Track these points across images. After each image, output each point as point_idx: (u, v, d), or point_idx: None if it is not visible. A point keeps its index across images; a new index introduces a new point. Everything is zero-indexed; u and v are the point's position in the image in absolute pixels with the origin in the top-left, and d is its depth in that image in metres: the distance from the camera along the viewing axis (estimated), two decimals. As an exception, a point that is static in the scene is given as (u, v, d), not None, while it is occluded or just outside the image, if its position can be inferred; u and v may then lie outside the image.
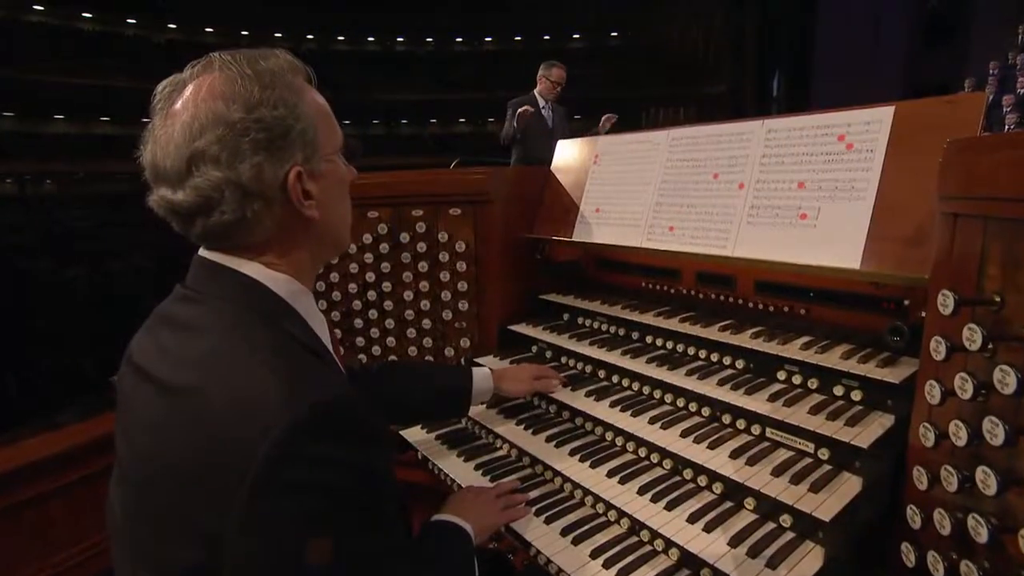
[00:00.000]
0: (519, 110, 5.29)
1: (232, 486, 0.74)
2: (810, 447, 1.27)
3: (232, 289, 0.93)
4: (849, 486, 1.17)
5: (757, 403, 1.38)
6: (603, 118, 5.63)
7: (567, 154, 2.23)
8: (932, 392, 0.93)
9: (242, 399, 0.79)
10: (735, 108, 21.79)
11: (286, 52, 0.99)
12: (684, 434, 1.43)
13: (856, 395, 1.30)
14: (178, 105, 0.90)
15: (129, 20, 27.43)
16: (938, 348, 0.91)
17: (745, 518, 1.24)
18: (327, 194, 0.99)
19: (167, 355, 0.91)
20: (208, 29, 27.92)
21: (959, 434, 0.88)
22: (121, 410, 0.97)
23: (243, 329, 0.88)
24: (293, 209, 0.94)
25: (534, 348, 2.02)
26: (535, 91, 5.51)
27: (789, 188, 1.52)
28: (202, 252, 0.98)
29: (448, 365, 2.04)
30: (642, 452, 1.49)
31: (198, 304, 0.93)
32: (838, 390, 1.34)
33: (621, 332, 1.88)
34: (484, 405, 1.82)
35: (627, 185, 1.95)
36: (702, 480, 1.35)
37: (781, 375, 1.45)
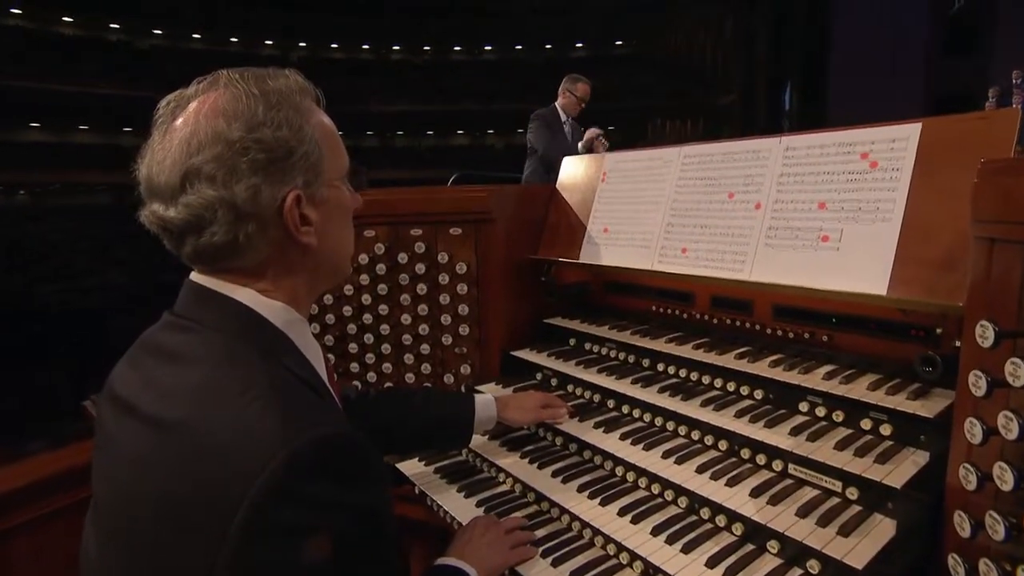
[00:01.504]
0: (594, 137, 5.30)
1: (223, 527, 0.73)
2: (837, 486, 1.26)
3: (224, 317, 0.93)
4: (882, 530, 1.15)
5: (778, 437, 1.37)
6: (587, 135, 5.49)
7: (573, 171, 2.24)
8: (973, 431, 0.92)
9: (235, 435, 0.79)
10: (746, 120, 22.02)
11: (297, 73, 1.01)
12: (700, 470, 1.42)
13: (885, 429, 1.29)
14: (179, 121, 0.92)
15: (112, 25, 27.79)
16: (978, 383, 0.91)
17: (769, 563, 1.22)
18: (328, 221, 1.00)
19: (154, 387, 0.90)
20: (195, 35, 28.28)
21: (1004, 477, 0.87)
22: (100, 446, 0.96)
23: (237, 361, 0.88)
24: (289, 234, 0.95)
25: (538, 375, 2.01)
26: (556, 104, 5.50)
27: (809, 209, 1.53)
28: (193, 276, 0.98)
29: (449, 392, 2.03)
30: (655, 489, 1.47)
31: (188, 333, 0.93)
32: (866, 424, 1.33)
33: (631, 359, 1.87)
34: (487, 436, 1.80)
35: (637, 204, 1.96)
36: (721, 520, 1.33)
37: (803, 407, 1.45)
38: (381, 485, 0.92)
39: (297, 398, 0.87)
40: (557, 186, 2.26)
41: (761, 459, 1.40)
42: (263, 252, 0.95)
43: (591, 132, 5.50)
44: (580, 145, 5.41)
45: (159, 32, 28.47)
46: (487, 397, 1.69)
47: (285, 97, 0.95)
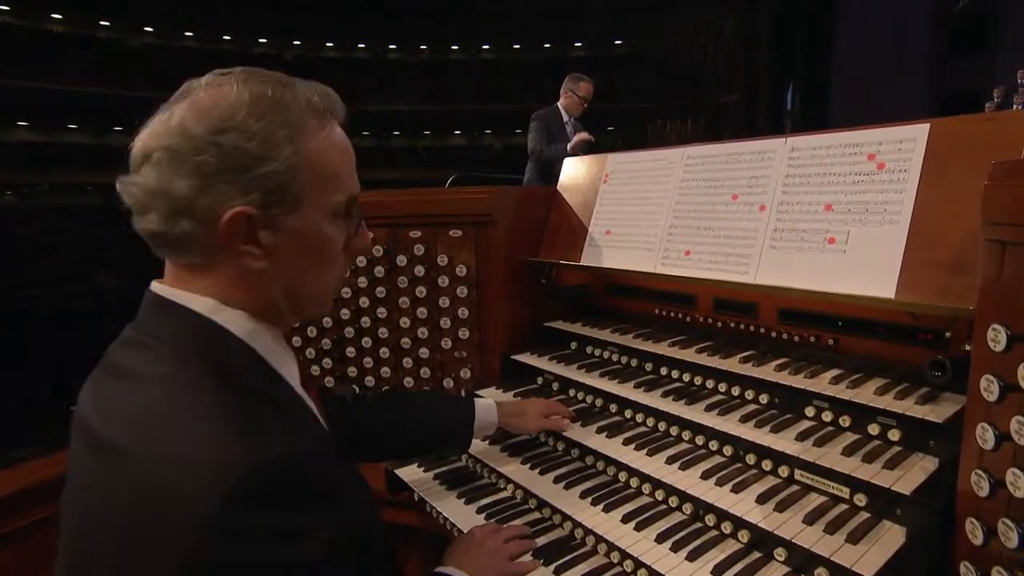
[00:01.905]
0: (580, 138, 5.19)
1: (172, 564, 0.71)
2: (845, 492, 1.26)
3: (179, 331, 0.90)
4: (891, 537, 1.15)
5: (784, 442, 1.37)
6: (576, 138, 5.34)
7: (575, 172, 2.25)
8: (985, 436, 0.92)
9: (177, 465, 0.76)
10: (747, 120, 22.08)
11: (318, 87, 0.96)
12: (705, 475, 1.42)
13: (894, 435, 1.29)
14: (178, 105, 0.90)
15: (102, 22, 27.76)
16: (990, 388, 0.91)
17: (776, 571, 1.21)
18: (288, 252, 0.93)
19: (105, 409, 0.88)
20: (188, 33, 28.27)
21: (1018, 483, 0.87)
22: (68, 466, 0.93)
23: (183, 380, 0.85)
24: (233, 248, 0.90)
25: (540, 380, 2.01)
26: (559, 104, 5.46)
27: (815, 211, 1.53)
28: (153, 286, 0.95)
29: (449, 396, 2.03)
30: (659, 495, 1.47)
31: (141, 349, 0.90)
32: (873, 429, 1.33)
33: (634, 363, 1.87)
34: (487, 441, 1.80)
35: (640, 206, 1.96)
36: (726, 527, 1.32)
37: (810, 411, 1.45)
38: (346, 503, 0.87)
39: (247, 418, 0.83)
40: (558, 187, 2.26)
41: (767, 465, 1.40)
42: (204, 255, 0.91)
43: (582, 136, 5.36)
44: (569, 147, 5.29)
45: (150, 30, 28.44)
46: (488, 402, 1.69)
47: (280, 110, 0.90)
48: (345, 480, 0.93)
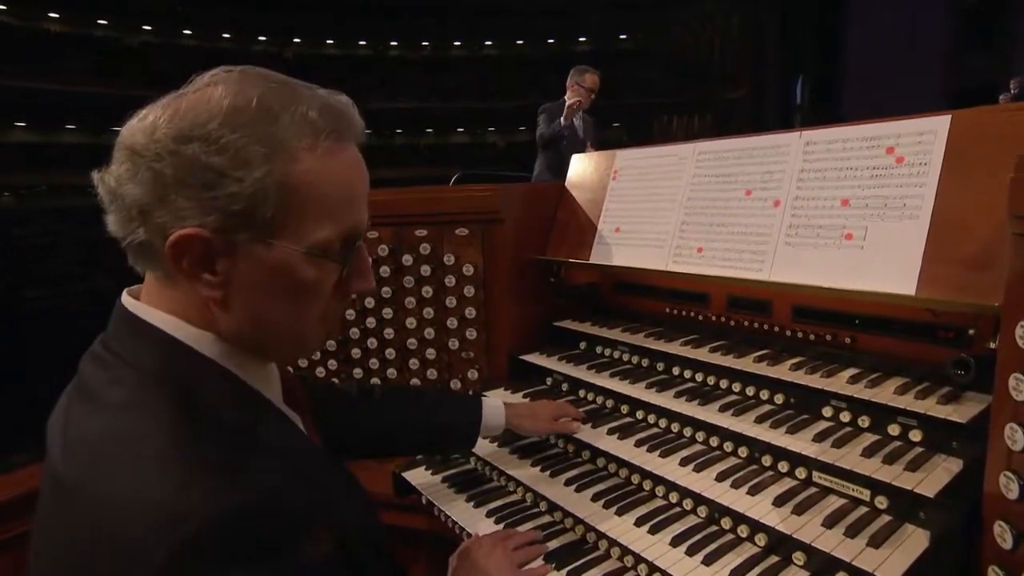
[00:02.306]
0: (569, 103, 5.23)
1: None
2: (865, 494, 1.25)
3: (145, 351, 0.83)
4: (915, 541, 1.14)
5: (802, 443, 1.36)
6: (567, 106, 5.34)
7: (583, 169, 2.24)
8: (1014, 436, 0.91)
9: (126, 505, 0.70)
10: (755, 116, 22.04)
11: (330, 102, 0.87)
12: (720, 477, 1.41)
13: (915, 435, 1.28)
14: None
15: (100, 21, 27.88)
16: (1019, 387, 0.90)
17: (795, 575, 1.21)
18: (252, 284, 0.83)
19: (65, 433, 0.82)
20: (186, 31, 28.36)
21: (1048, 485, 0.86)
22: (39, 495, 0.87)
23: (144, 408, 0.78)
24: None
25: (548, 380, 2.00)
26: (565, 98, 5.52)
27: (832, 206, 1.52)
28: (124, 298, 0.89)
29: (457, 395, 2.01)
30: (673, 497, 1.46)
31: (104, 367, 0.84)
32: (893, 429, 1.32)
33: (645, 363, 1.87)
34: (495, 443, 1.80)
35: (650, 203, 1.95)
36: (743, 530, 1.32)
37: (827, 412, 1.44)
38: (316, 543, 0.78)
39: (207, 453, 0.76)
40: (566, 184, 2.26)
41: (784, 466, 1.39)
42: (161, 270, 0.84)
43: (570, 102, 5.32)
44: (563, 119, 5.31)
45: (148, 28, 28.55)
46: (496, 403, 1.68)
47: (262, 124, 0.80)
48: (328, 504, 0.85)
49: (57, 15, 26.87)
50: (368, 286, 0.96)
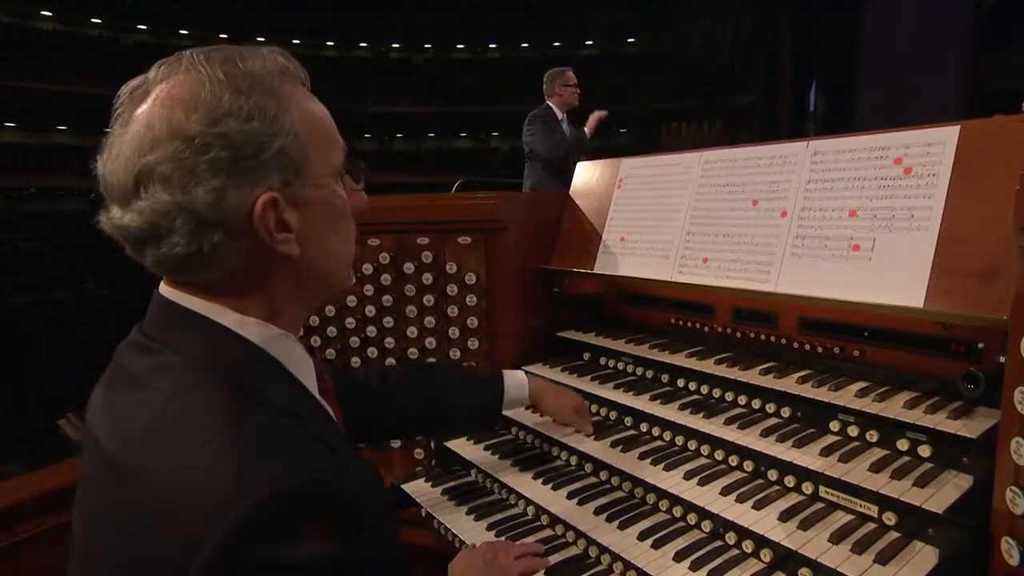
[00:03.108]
0: (596, 114, 5.54)
1: None
2: (873, 510, 1.27)
3: (192, 338, 0.88)
4: (923, 558, 1.16)
5: (808, 457, 1.38)
6: (592, 118, 5.68)
7: (587, 177, 2.27)
8: (1020, 451, 0.93)
9: (183, 490, 0.75)
10: (767, 122, 22.06)
11: (278, 51, 0.94)
12: (725, 491, 1.43)
13: (924, 450, 1.30)
14: (139, 111, 0.86)
15: (94, 20, 28.15)
16: None
17: (800, 591, 1.23)
18: (314, 226, 0.92)
19: (114, 420, 0.87)
20: (183, 31, 28.61)
21: (1051, 499, 0.88)
22: (80, 481, 0.92)
23: (196, 393, 0.83)
24: (264, 244, 0.87)
25: (552, 392, 2.02)
26: (549, 104, 5.58)
27: (839, 217, 1.55)
28: (162, 288, 0.93)
29: (476, 373, 2.02)
30: (677, 511, 1.48)
31: (152, 355, 0.88)
32: (902, 444, 1.34)
33: (649, 374, 1.89)
34: (497, 455, 1.84)
35: (655, 212, 1.99)
36: (748, 546, 1.34)
37: (835, 426, 1.46)
38: (363, 534, 0.83)
39: (264, 435, 0.81)
40: (571, 192, 2.29)
41: (790, 481, 1.41)
42: (234, 263, 0.88)
43: (596, 116, 5.66)
44: (588, 129, 5.58)
45: (144, 28, 28.80)
46: (518, 375, 1.74)
47: (258, 81, 0.87)
48: (371, 506, 0.89)
49: (50, 13, 27.11)
50: (366, 201, 1.08)
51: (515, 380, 1.73)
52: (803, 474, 1.38)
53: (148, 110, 0.84)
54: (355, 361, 2.17)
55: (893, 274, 1.40)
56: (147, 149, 0.83)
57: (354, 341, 2.16)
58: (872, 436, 1.39)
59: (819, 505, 1.35)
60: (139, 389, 0.87)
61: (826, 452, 1.38)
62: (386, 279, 2.11)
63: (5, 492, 1.93)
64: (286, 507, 0.75)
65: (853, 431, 1.42)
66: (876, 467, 1.30)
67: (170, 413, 0.82)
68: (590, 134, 5.59)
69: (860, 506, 1.29)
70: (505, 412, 1.75)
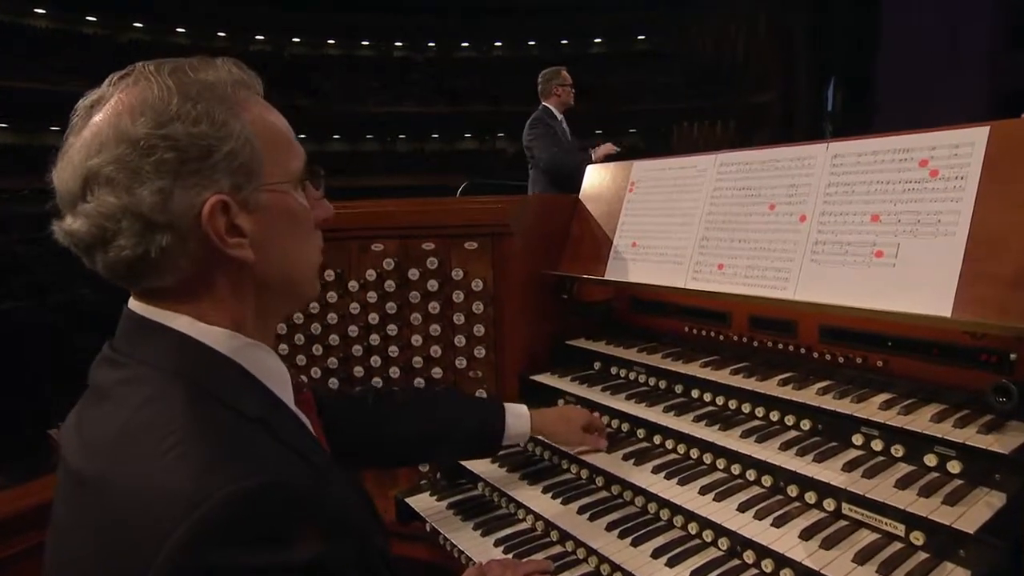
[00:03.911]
0: (605, 147, 5.54)
1: None
2: (900, 529, 1.26)
3: (158, 350, 0.91)
4: (953, 579, 1.15)
5: (830, 473, 1.37)
6: (601, 149, 5.65)
7: (598, 181, 2.27)
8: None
9: (145, 496, 0.76)
10: (783, 122, 22.03)
11: (233, 62, 0.99)
12: (742, 508, 1.42)
13: (954, 466, 1.29)
14: (91, 120, 0.90)
15: (89, 18, 28.42)
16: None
17: (823, 615, 1.22)
18: (270, 231, 0.95)
19: (82, 434, 0.89)
20: (179, 29, 28.84)
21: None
22: (52, 502, 0.94)
23: (161, 403, 0.85)
24: (215, 247, 0.90)
25: (560, 402, 2.01)
26: (547, 106, 5.58)
27: (861, 221, 1.54)
28: (130, 303, 0.97)
29: (476, 400, 2.01)
30: (692, 528, 1.47)
31: (119, 369, 0.92)
32: (930, 460, 1.32)
33: (662, 385, 1.88)
34: (505, 468, 1.84)
35: (668, 216, 1.98)
36: (767, 565, 1.32)
37: (857, 439, 1.44)
38: (338, 540, 0.84)
39: (227, 441, 0.83)
40: (580, 196, 2.29)
41: (811, 497, 1.40)
42: (187, 269, 0.91)
43: (608, 149, 5.63)
44: (594, 158, 5.52)
45: (139, 26, 29.05)
46: (520, 410, 1.71)
47: (208, 88, 0.91)
48: (337, 511, 0.90)
49: (44, 11, 27.37)
50: (331, 211, 1.11)
51: (517, 417, 1.70)
52: (825, 490, 1.37)
53: (98, 119, 0.89)
54: (358, 371, 2.17)
55: (918, 281, 1.39)
56: (93, 153, 0.87)
57: (356, 350, 2.16)
58: (898, 451, 1.38)
59: (842, 523, 1.34)
60: (107, 402, 0.90)
61: (849, 467, 1.37)
62: (390, 285, 2.12)
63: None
64: (246, 508, 0.76)
65: (877, 445, 1.41)
66: (902, 483, 1.29)
67: (135, 423, 0.84)
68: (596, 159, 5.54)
69: (886, 524, 1.28)
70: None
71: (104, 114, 0.89)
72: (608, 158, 5.49)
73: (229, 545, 0.74)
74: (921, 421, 1.37)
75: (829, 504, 1.37)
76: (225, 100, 0.92)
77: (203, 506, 0.73)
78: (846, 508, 1.35)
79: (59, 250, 0.96)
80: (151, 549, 0.72)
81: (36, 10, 27.54)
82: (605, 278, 2.08)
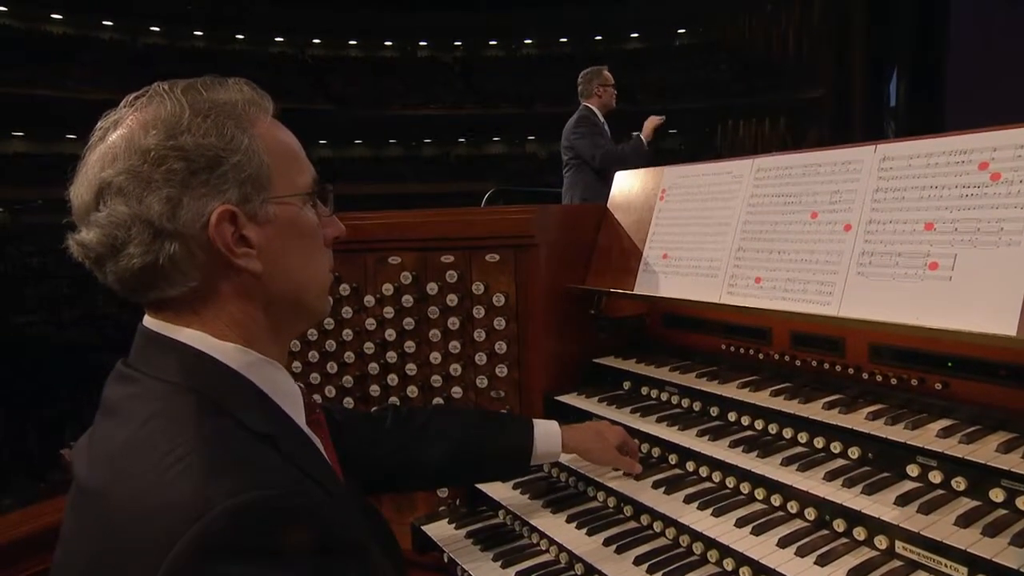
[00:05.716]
0: (652, 120, 5.63)
1: None
2: (962, 572, 1.21)
3: (170, 363, 0.97)
4: (1019, 628, 1.11)
5: (881, 507, 1.35)
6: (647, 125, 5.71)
7: (627, 188, 2.28)
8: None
9: (148, 508, 0.81)
10: (837, 120, 21.66)
11: (245, 82, 1.07)
12: (783, 543, 1.40)
13: (1022, 503, 1.25)
14: (108, 138, 0.98)
15: (105, 23, 29.46)
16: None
17: (872, 663, 1.19)
18: (278, 244, 1.03)
19: (92, 449, 0.95)
20: (196, 32, 29.71)
21: None
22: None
23: (167, 416, 0.90)
24: (223, 258, 0.98)
25: (588, 424, 2.02)
26: (589, 105, 5.66)
27: (913, 230, 1.52)
28: (144, 320, 1.04)
29: (504, 418, 1.99)
30: (728, 565, 1.45)
31: (131, 384, 0.98)
32: (996, 495, 1.29)
33: (696, 407, 1.87)
34: (527, 495, 1.84)
35: (701, 226, 1.98)
36: (811, 607, 1.31)
37: (913, 470, 1.41)
38: (339, 559, 0.88)
39: (232, 454, 0.87)
40: (609, 205, 2.30)
41: (860, 534, 1.37)
42: (196, 279, 0.98)
43: (652, 122, 5.69)
44: (644, 137, 5.61)
45: (156, 30, 30.00)
46: (550, 427, 1.71)
47: (219, 106, 1.00)
48: (339, 529, 0.92)
49: (60, 16, 28.45)
50: (342, 228, 1.19)
51: (546, 433, 1.70)
52: (875, 526, 1.34)
53: (114, 136, 0.98)
54: (374, 390, 2.20)
55: (978, 296, 1.37)
56: (107, 164, 0.95)
57: (373, 368, 2.19)
58: (959, 484, 1.34)
59: (895, 563, 1.31)
60: (117, 417, 0.96)
61: (903, 501, 1.34)
62: (407, 300, 2.15)
63: (2, 527, 1.99)
64: (246, 521, 0.79)
65: (936, 477, 1.38)
66: (964, 521, 1.25)
67: (141, 435, 0.89)
68: (647, 141, 5.62)
69: (945, 566, 1.24)
70: None
71: (119, 131, 0.97)
72: (656, 130, 5.72)
73: (230, 557, 0.78)
74: (986, 451, 1.33)
75: (881, 542, 1.34)
76: (235, 116, 1.00)
77: (203, 518, 0.77)
78: (900, 547, 1.31)
79: (73, 261, 1.04)
80: (153, 560, 0.76)
81: (53, 16, 28.63)
82: (635, 292, 2.08)
